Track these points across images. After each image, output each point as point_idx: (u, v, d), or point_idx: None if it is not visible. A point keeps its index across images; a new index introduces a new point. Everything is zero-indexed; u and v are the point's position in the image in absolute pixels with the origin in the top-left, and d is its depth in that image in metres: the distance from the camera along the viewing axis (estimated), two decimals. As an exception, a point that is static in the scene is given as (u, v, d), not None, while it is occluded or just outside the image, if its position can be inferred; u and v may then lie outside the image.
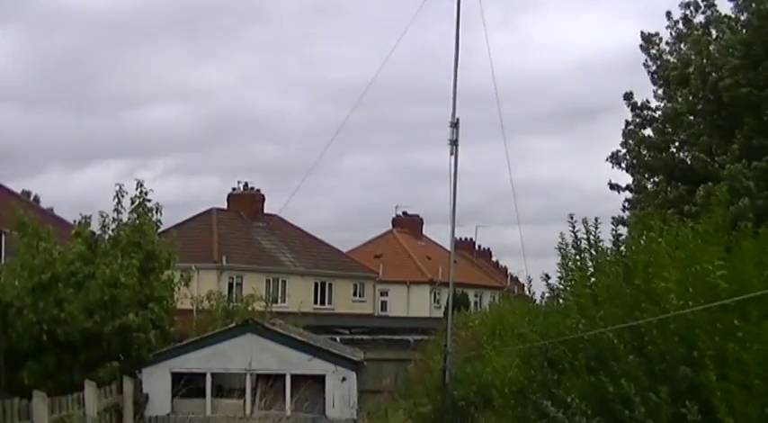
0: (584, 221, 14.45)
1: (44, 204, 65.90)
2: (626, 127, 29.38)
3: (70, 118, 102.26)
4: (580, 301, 13.60)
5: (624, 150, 30.17)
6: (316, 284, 71.76)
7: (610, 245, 14.64)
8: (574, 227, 14.39)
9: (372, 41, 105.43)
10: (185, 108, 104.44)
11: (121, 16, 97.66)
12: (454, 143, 23.02)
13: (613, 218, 19.87)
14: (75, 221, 27.94)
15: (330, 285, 72.92)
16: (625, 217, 28.15)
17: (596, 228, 14.36)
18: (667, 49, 28.82)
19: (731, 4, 28.34)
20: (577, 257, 14.60)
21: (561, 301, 14.96)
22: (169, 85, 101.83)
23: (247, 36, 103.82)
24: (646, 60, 29.16)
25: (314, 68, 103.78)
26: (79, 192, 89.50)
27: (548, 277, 15.17)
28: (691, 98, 27.68)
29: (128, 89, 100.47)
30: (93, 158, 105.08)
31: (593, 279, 13.90)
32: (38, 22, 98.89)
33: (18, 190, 66.01)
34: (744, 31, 27.84)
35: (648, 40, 28.82)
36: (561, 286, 14.89)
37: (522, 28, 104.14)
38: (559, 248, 14.55)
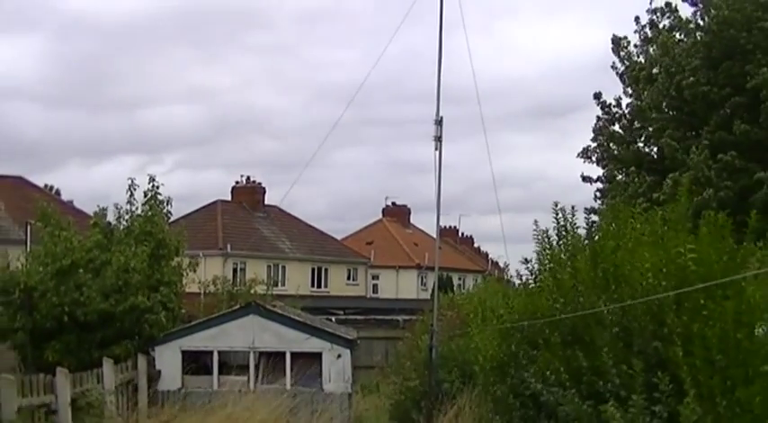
0: (561, 210, 14.45)
1: (64, 197, 65.97)
2: (596, 124, 29.39)
3: (88, 117, 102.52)
4: (557, 281, 13.61)
5: (594, 145, 30.15)
6: (312, 269, 71.81)
7: (583, 233, 14.67)
8: (557, 214, 14.42)
9: (365, 45, 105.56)
10: (193, 107, 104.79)
11: (135, 23, 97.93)
12: (438, 139, 22.99)
13: (586, 209, 19.86)
14: (92, 213, 27.98)
15: (326, 270, 72.95)
16: (597, 206, 28.15)
17: (573, 215, 14.38)
18: (635, 51, 28.84)
19: (692, 9, 28.37)
20: (554, 243, 14.61)
21: (538, 282, 14.96)
22: (178, 87, 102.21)
23: (249, 40, 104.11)
24: (614, 62, 29.20)
25: (311, 70, 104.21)
26: (96, 185, 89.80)
27: (527, 261, 15.18)
28: (656, 96, 27.72)
29: (140, 90, 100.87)
30: (108, 154, 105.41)
31: (568, 262, 13.89)
32: (59, 30, 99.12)
33: (41, 184, 66.14)
34: (703, 34, 27.87)
35: (618, 43, 28.88)
36: (539, 269, 14.91)
37: (501, 33, 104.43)
38: (536, 235, 14.57)
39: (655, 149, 28.76)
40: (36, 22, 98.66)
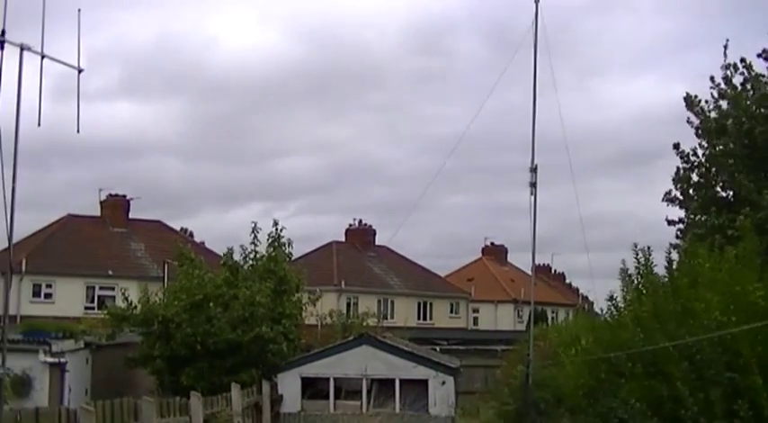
0: (642, 250, 14.44)
1: (197, 239, 66.86)
2: (676, 172, 29.14)
3: (223, 168, 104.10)
4: (638, 316, 13.59)
5: (675, 190, 29.88)
6: (418, 303, 71.77)
7: (664, 268, 14.63)
8: (637, 254, 14.41)
9: (469, 101, 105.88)
10: (315, 158, 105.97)
11: (267, 85, 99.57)
12: (533, 185, 23.11)
13: (671, 244, 19.79)
14: (221, 253, 28.46)
15: (430, 304, 72.86)
16: (677, 243, 27.88)
17: (650, 255, 14.37)
18: (707, 106, 28.55)
19: (766, 65, 28.04)
20: (635, 280, 14.58)
21: (621, 316, 14.93)
22: (303, 140, 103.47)
23: (367, 98, 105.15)
24: (688, 117, 28.91)
25: (420, 124, 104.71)
26: (226, 228, 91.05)
27: (612, 298, 15.18)
28: (729, 143, 27.46)
29: (270, 144, 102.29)
30: (239, 201, 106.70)
31: (646, 298, 13.86)
32: (201, 92, 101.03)
33: (177, 227, 67.30)
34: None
35: (690, 101, 28.62)
36: (622, 305, 14.89)
37: (592, 88, 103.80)
38: (621, 274, 14.57)
39: (731, 193, 28.38)
40: (181, 86, 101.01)
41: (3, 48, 13.94)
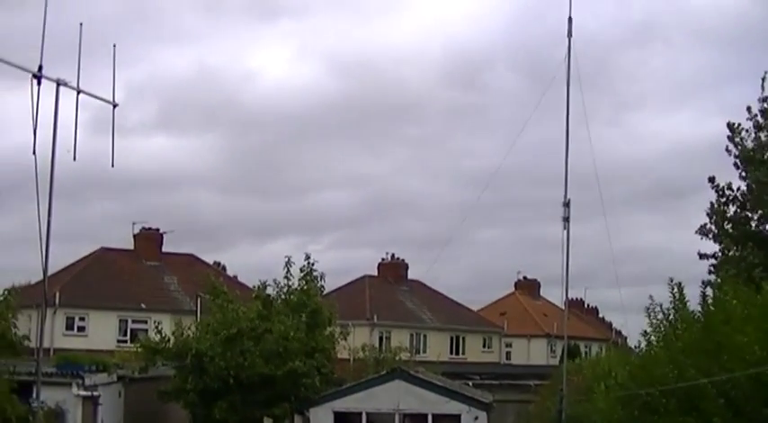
0: (676, 285, 14.38)
1: (229, 272, 66.86)
2: (711, 206, 29.04)
3: (258, 202, 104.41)
4: (671, 352, 13.52)
5: (710, 224, 29.75)
6: (451, 338, 71.52)
7: (698, 304, 14.56)
8: (672, 289, 14.36)
9: (504, 134, 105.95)
10: (349, 192, 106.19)
11: (304, 119, 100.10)
12: (566, 220, 23.13)
13: (702, 282, 19.69)
14: (254, 286, 28.52)
15: (463, 338, 72.57)
16: (711, 280, 27.72)
17: (681, 290, 14.31)
18: (746, 136, 28.51)
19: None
20: (670, 315, 14.51)
21: (655, 352, 14.86)
22: (338, 174, 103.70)
23: (402, 132, 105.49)
24: (727, 146, 28.87)
25: (455, 158, 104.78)
26: (259, 261, 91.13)
27: (645, 333, 15.11)
28: (764, 177, 27.40)
29: (305, 178, 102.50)
30: (273, 234, 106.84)
31: (680, 334, 13.79)
32: (237, 126, 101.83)
33: (212, 261, 67.46)
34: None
35: (733, 129, 28.58)
36: (655, 340, 14.81)
37: (628, 122, 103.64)
38: (647, 311, 14.51)
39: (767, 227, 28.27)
40: (219, 119, 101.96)
41: (40, 83, 14.17)
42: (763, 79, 27.95)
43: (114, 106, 15.71)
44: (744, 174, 28.70)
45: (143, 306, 55.91)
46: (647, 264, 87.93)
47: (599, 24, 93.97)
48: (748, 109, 28.19)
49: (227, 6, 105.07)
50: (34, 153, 13.54)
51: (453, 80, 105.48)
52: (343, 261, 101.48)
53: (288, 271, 27.68)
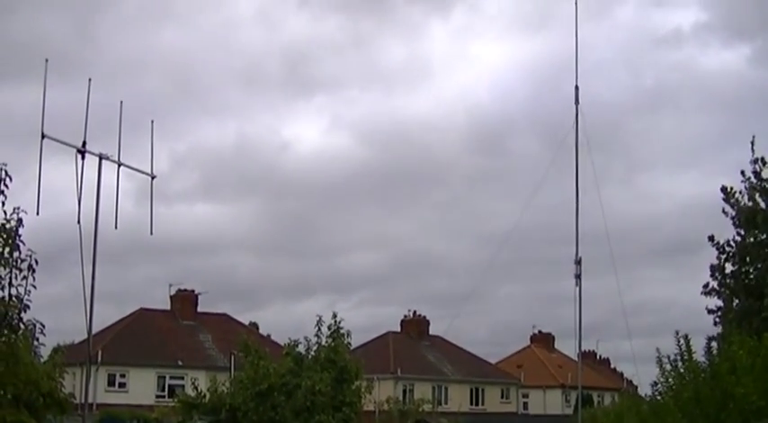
0: (683, 337, 14.35)
1: (262, 331, 66.87)
2: (712, 265, 29.05)
3: (292, 263, 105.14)
4: (680, 402, 13.45)
5: (713, 282, 29.71)
6: (471, 389, 71.22)
7: (704, 355, 14.50)
8: (678, 341, 14.33)
9: (523, 196, 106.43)
10: (376, 253, 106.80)
11: (335, 184, 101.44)
12: (578, 277, 23.20)
13: (708, 337, 19.61)
14: (285, 343, 28.51)
15: (482, 390, 72.24)
16: (716, 333, 27.64)
17: (688, 342, 14.28)
18: (742, 198, 28.53)
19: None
20: (678, 365, 14.46)
21: (664, 401, 14.78)
22: (366, 235, 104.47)
23: (428, 196, 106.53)
24: (724, 208, 28.92)
25: (477, 219, 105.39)
26: (291, 319, 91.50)
27: (655, 384, 15.05)
28: (760, 237, 27.43)
29: (336, 239, 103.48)
30: (305, 294, 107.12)
31: (688, 384, 13.72)
32: (273, 192, 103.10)
33: (246, 321, 67.53)
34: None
35: (726, 192, 28.67)
36: (665, 390, 14.75)
37: (639, 182, 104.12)
38: (657, 362, 14.47)
39: (765, 281, 28.18)
40: (256, 186, 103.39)
41: (84, 157, 14.36)
42: (752, 143, 28.01)
43: (152, 178, 15.87)
44: (741, 233, 28.75)
45: (180, 363, 55.99)
46: (657, 316, 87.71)
47: (613, 91, 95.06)
48: (742, 172, 28.36)
49: (266, 81, 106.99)
50: (79, 222, 13.69)
51: (476, 146, 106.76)
52: (370, 318, 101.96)
53: (319, 329, 27.65)
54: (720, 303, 29.42)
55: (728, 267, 28.31)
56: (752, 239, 27.60)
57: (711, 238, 28.57)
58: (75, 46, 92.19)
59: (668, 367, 14.41)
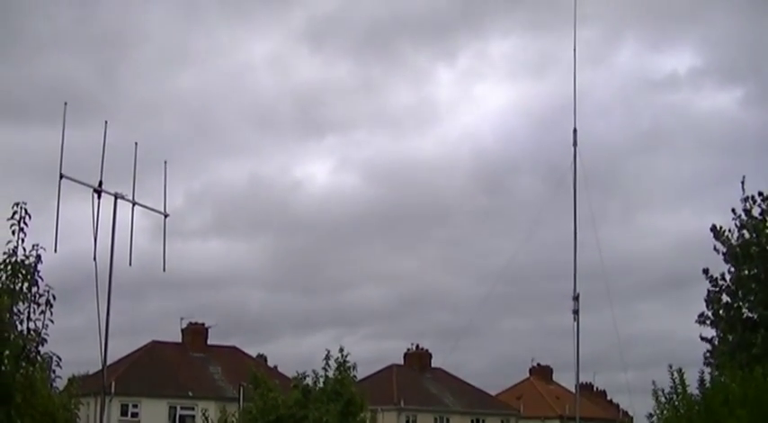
0: (677, 370, 14.33)
1: (270, 363, 66.69)
2: (707, 294, 29.09)
3: (300, 298, 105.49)
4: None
5: (708, 311, 29.74)
6: (472, 420, 71.00)
7: (697, 387, 14.48)
8: (672, 374, 14.32)
9: (524, 234, 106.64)
10: (382, 288, 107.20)
11: (342, 222, 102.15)
12: (575, 312, 23.25)
13: (701, 370, 19.58)
14: (292, 376, 28.48)
15: (483, 420, 72.01)
16: (709, 363, 27.63)
17: (681, 375, 14.26)
18: (732, 235, 28.65)
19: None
20: (672, 397, 14.43)
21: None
22: (372, 272, 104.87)
23: (432, 234, 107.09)
24: (715, 245, 29.02)
25: (479, 255, 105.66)
26: (298, 352, 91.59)
27: (651, 415, 15.03)
28: (752, 270, 27.53)
29: (343, 275, 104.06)
30: (312, 328, 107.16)
31: (682, 416, 13.70)
32: (284, 229, 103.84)
33: (254, 353, 67.47)
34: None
35: (716, 231, 28.83)
36: (658, 422, 14.72)
37: (635, 220, 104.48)
38: (654, 394, 14.46)
39: (756, 314, 28.23)
40: (268, 224, 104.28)
41: (100, 197, 14.47)
42: (743, 182, 28.21)
43: (165, 216, 15.95)
44: (731, 269, 28.84)
45: (190, 394, 55.93)
46: (652, 348, 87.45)
47: (612, 132, 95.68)
48: (733, 210, 28.55)
49: (279, 123, 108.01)
50: (95, 259, 13.78)
51: (479, 186, 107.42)
52: (375, 351, 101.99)
53: (326, 363, 27.64)
54: (714, 333, 29.48)
55: (723, 298, 28.40)
56: (746, 272, 27.67)
57: (706, 271, 28.65)
58: (97, 89, 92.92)
59: (663, 399, 14.39)
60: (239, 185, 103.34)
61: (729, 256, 28.42)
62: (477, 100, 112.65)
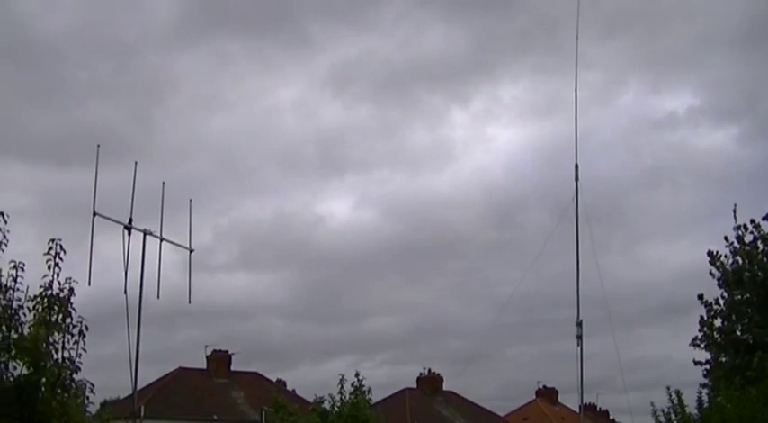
0: (675, 392, 14.30)
1: (289, 387, 66.63)
2: (701, 319, 29.04)
3: (319, 327, 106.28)
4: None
5: (701, 335, 29.67)
6: (481, 441, 70.84)
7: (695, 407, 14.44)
8: (670, 395, 14.30)
9: (534, 264, 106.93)
10: (398, 317, 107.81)
11: (360, 256, 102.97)
12: (579, 337, 23.24)
13: (700, 384, 19.53)
14: (311, 400, 28.46)
15: (492, 441, 71.85)
16: (706, 383, 27.61)
17: (680, 396, 14.24)
18: (726, 261, 28.67)
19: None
20: (671, 418, 14.40)
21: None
22: (388, 302, 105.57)
23: (445, 266, 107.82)
24: (710, 270, 29.06)
25: (490, 286, 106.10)
26: (320, 378, 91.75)
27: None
28: (745, 294, 27.54)
29: (360, 306, 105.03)
30: (330, 355, 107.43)
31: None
32: (306, 263, 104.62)
33: (275, 378, 67.44)
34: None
35: (713, 256, 28.86)
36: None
37: (637, 251, 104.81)
38: (653, 414, 14.42)
39: (750, 337, 28.15)
40: (291, 258, 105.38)
41: (130, 233, 14.62)
42: (734, 211, 28.48)
43: (191, 252, 16.08)
44: (725, 294, 28.84)
45: (215, 417, 55.89)
46: (651, 371, 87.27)
47: (614, 169, 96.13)
48: (725, 238, 28.68)
49: (302, 163, 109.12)
50: (125, 292, 13.92)
51: (490, 221, 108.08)
52: (391, 376, 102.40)
53: (341, 387, 27.64)
54: (708, 356, 29.37)
55: (717, 323, 28.34)
56: (739, 297, 27.67)
57: (701, 297, 28.64)
58: (130, 133, 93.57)
59: (662, 420, 14.34)
60: (264, 222, 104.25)
61: (723, 282, 28.43)
62: (488, 140, 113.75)
